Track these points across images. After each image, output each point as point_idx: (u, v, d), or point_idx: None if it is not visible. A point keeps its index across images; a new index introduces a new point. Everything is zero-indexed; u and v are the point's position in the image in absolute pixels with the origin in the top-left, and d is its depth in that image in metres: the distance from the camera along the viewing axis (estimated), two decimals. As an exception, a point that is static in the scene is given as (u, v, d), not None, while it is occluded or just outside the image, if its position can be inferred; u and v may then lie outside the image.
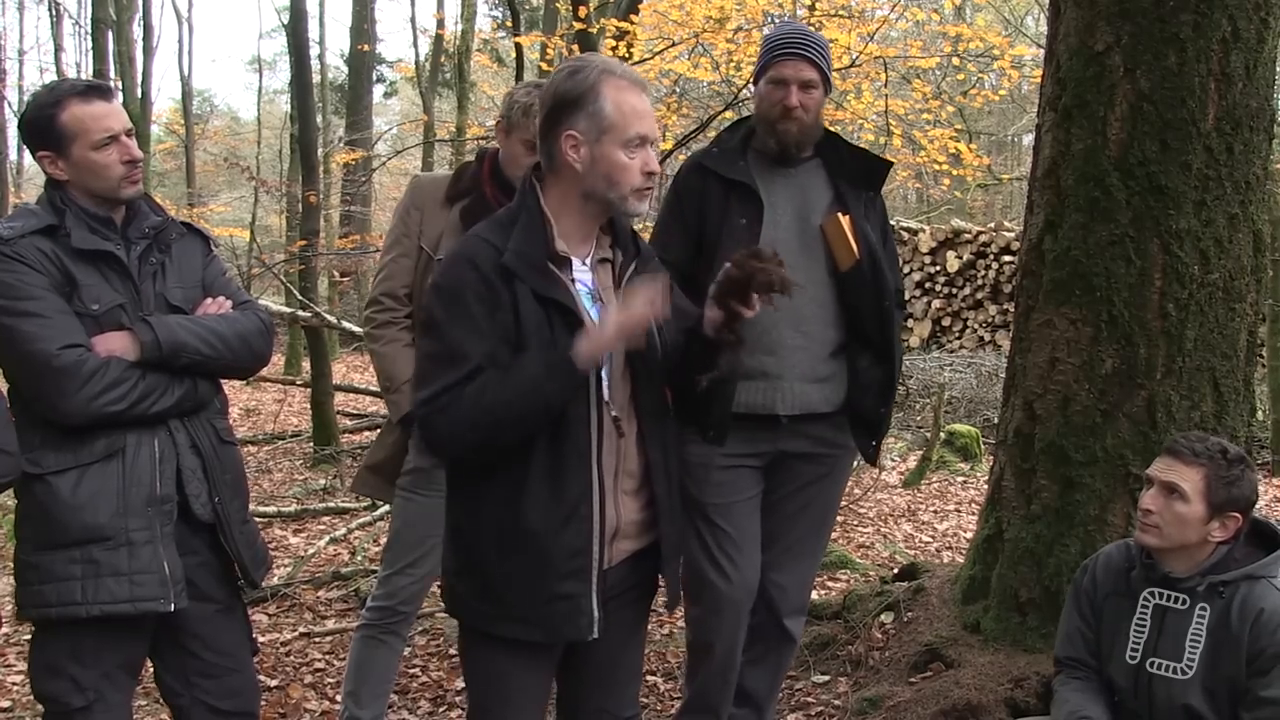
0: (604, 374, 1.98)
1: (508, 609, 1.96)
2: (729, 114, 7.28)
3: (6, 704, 3.69)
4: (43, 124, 2.21)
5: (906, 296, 12.88)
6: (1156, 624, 2.35)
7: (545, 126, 1.97)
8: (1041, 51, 3.91)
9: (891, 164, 2.99)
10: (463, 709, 3.50)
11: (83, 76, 12.58)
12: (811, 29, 3.02)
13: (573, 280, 1.97)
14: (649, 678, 3.77)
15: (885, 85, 9.52)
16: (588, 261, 2.02)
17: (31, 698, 2.43)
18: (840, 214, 2.75)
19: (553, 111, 1.95)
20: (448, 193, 2.91)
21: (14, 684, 3.81)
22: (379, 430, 3.18)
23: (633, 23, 8.16)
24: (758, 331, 2.75)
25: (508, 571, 1.95)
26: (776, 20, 9.59)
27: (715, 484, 2.78)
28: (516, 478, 1.93)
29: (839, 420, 2.86)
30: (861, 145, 3.59)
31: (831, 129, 2.95)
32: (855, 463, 3.15)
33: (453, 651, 3.99)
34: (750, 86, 2.99)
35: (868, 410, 2.84)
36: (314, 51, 17.15)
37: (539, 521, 1.92)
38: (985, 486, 4.08)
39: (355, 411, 10.00)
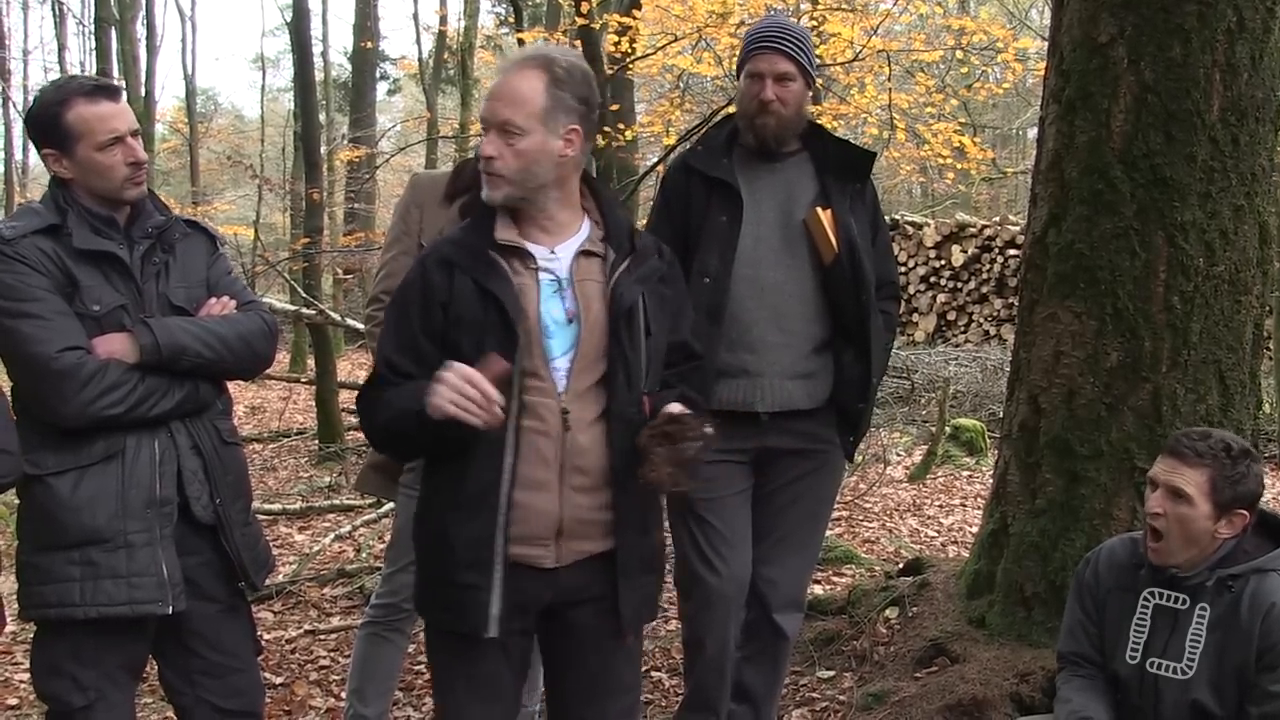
0: (557, 362, 1.93)
1: (429, 595, 2.02)
2: (732, 108, 7.26)
3: (14, 701, 3.70)
4: (48, 122, 2.19)
5: (911, 291, 12.90)
6: (1157, 624, 2.33)
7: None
8: (1045, 44, 3.89)
9: (875, 154, 2.98)
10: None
11: (88, 75, 12.57)
12: (791, 21, 2.99)
13: (536, 269, 1.96)
14: (654, 674, 3.77)
15: (889, 79, 9.49)
16: (558, 251, 1.99)
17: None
18: (821, 208, 2.74)
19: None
20: (447, 190, 2.90)
21: (21, 682, 3.81)
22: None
23: (635, 18, 8.15)
24: (739, 329, 2.75)
25: (424, 557, 2.03)
26: (777, 14, 9.56)
27: (703, 478, 2.77)
28: (433, 463, 2.01)
29: (825, 416, 2.85)
30: (865, 140, 3.57)
31: (816, 122, 2.94)
32: (859, 459, 3.14)
33: (457, 648, 3.99)
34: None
35: (846, 406, 2.84)
36: (317, 49, 17.21)
37: (443, 507, 1.96)
38: (990, 481, 4.07)
39: (360, 409, 9.98)
